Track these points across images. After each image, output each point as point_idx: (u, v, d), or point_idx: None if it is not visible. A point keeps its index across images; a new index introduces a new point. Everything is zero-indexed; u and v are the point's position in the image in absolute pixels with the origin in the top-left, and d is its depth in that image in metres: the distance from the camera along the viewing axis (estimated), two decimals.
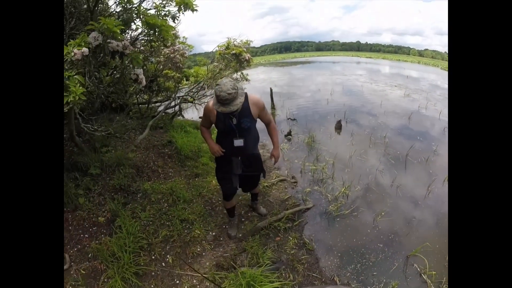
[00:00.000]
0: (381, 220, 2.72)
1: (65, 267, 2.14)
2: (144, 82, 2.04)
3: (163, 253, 2.30)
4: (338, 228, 2.65)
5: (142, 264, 2.15)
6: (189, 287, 2.05)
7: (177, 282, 2.09)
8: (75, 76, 1.50)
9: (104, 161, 2.99)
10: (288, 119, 5.84)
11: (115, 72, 2.44)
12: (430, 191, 3.19)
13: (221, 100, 1.73)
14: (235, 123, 1.92)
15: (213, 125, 2.09)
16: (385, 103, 6.99)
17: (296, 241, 2.45)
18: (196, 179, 3.31)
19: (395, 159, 3.95)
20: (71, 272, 2.12)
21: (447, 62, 25.01)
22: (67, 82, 1.44)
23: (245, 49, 4.11)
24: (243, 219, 2.74)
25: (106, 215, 2.52)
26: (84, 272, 2.10)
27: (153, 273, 2.14)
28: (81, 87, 1.47)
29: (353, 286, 2.10)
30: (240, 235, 2.50)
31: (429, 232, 2.62)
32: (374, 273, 2.20)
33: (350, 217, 2.77)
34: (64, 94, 1.40)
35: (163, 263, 2.22)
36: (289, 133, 4.92)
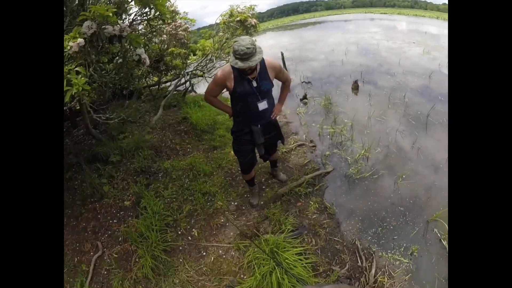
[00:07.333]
0: (402, 183, 2.65)
1: (98, 254, 2.28)
2: (147, 62, 2.00)
3: (188, 227, 2.40)
4: (359, 192, 2.62)
5: (169, 240, 2.27)
6: (215, 257, 2.15)
7: (204, 254, 2.20)
8: (76, 69, 1.49)
9: (122, 147, 3.09)
10: (302, 82, 5.61)
11: (117, 57, 2.41)
12: None
13: (239, 54, 1.69)
14: (255, 85, 1.89)
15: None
16: (404, 62, 6.46)
17: (317, 205, 2.46)
18: (215, 152, 3.34)
19: (415, 120, 3.74)
20: (105, 258, 2.28)
21: None
22: (69, 76, 1.43)
23: (249, 15, 3.88)
24: (263, 187, 2.76)
25: (131, 198, 2.64)
26: (116, 255, 2.25)
27: (180, 248, 2.26)
28: (83, 78, 1.46)
29: (374, 249, 2.10)
30: (262, 202, 2.55)
31: None
32: (395, 237, 2.18)
33: (371, 180, 2.72)
34: (68, 88, 1.40)
35: (189, 237, 2.33)
36: (305, 97, 4.75)
